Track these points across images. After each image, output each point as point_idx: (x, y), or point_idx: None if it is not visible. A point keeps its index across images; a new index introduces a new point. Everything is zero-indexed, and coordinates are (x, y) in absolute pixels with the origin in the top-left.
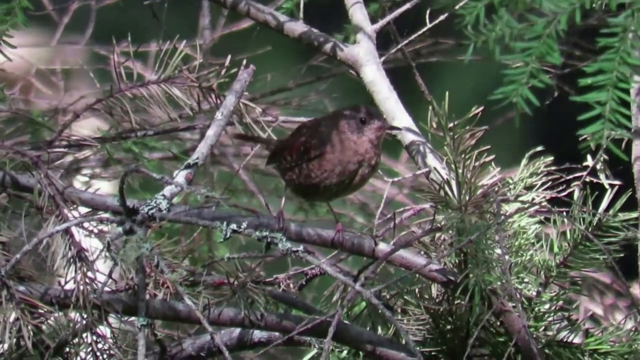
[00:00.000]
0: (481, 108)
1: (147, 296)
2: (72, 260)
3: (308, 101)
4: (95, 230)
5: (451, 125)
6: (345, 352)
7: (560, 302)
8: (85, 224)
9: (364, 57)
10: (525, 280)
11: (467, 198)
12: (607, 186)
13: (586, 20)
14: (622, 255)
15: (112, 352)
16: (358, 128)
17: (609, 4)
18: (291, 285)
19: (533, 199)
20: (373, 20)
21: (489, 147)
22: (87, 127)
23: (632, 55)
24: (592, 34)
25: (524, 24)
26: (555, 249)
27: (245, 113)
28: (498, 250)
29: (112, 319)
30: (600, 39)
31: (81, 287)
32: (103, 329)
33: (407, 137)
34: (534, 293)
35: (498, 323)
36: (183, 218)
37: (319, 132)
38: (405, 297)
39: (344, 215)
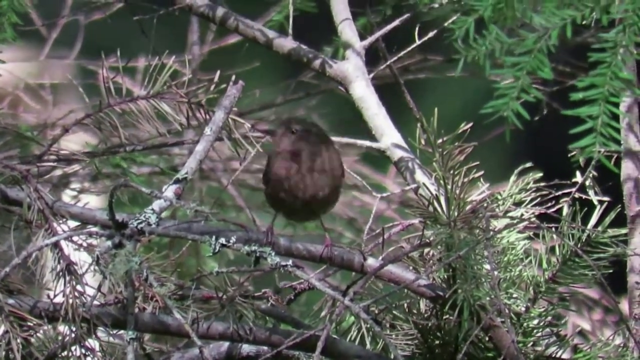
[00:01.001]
0: (470, 124)
1: (136, 310)
2: (61, 273)
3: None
4: (85, 244)
5: (440, 141)
6: None
7: (549, 318)
8: (75, 238)
9: (353, 73)
10: (514, 295)
11: (456, 214)
12: (596, 202)
13: (577, 37)
14: (611, 271)
15: None
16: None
17: (600, 20)
18: (280, 300)
19: (522, 214)
20: (362, 36)
21: (477, 163)
22: (76, 141)
23: (623, 70)
24: (583, 51)
25: (514, 39)
26: (544, 265)
27: (234, 128)
28: (487, 266)
29: (101, 332)
30: (592, 53)
31: (70, 301)
32: (92, 343)
33: (396, 153)
34: (523, 308)
35: (487, 338)
36: (172, 232)
37: (270, 153)
38: (394, 312)
39: (333, 230)
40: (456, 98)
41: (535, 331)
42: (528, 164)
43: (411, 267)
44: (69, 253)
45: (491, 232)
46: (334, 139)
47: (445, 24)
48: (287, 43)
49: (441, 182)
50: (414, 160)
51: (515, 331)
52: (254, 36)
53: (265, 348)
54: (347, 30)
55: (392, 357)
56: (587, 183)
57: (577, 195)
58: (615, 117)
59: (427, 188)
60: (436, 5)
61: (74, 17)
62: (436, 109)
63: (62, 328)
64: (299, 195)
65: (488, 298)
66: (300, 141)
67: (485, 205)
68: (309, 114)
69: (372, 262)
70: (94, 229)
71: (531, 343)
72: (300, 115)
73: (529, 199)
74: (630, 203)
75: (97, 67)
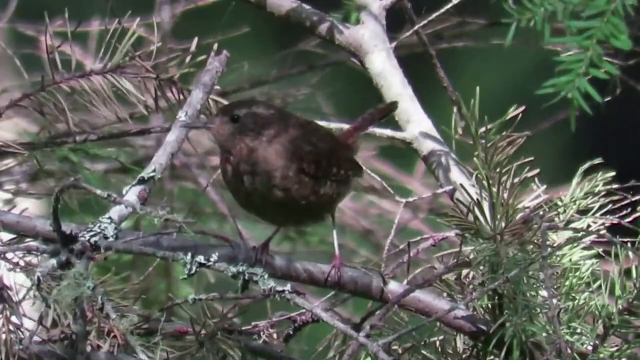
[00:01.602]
0: (522, 107)
1: (88, 348)
2: None
3: (296, 98)
4: (22, 263)
5: (483, 130)
6: None
7: (624, 359)
8: (9, 255)
9: (370, 41)
10: (579, 330)
11: (503, 224)
12: None
13: None
14: None
15: None
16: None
17: None
18: (275, 336)
19: (589, 225)
20: None
21: (532, 158)
22: (10, 129)
23: None
24: None
25: None
26: (618, 291)
27: (215, 113)
28: (543, 292)
29: None
30: None
31: (3, 336)
32: None
33: (426, 146)
34: (590, 347)
35: None
36: (135, 248)
37: None
38: (423, 351)
39: (344, 245)
40: (504, 74)
41: None
42: (597, 160)
43: (445, 294)
44: (1, 274)
45: (549, 249)
46: (343, 125)
47: None
48: (284, 2)
49: (484, 183)
50: (448, 155)
51: None
52: None
53: None
54: None
55: None
56: None
57: None
58: None
59: (466, 191)
60: None
61: None
62: (478, 88)
63: None
64: (247, 201)
65: (545, 334)
66: (244, 130)
67: (541, 213)
68: (311, 93)
69: (394, 287)
70: (34, 244)
71: None
72: (304, 93)
73: (597, 205)
74: None
75: (39, 32)
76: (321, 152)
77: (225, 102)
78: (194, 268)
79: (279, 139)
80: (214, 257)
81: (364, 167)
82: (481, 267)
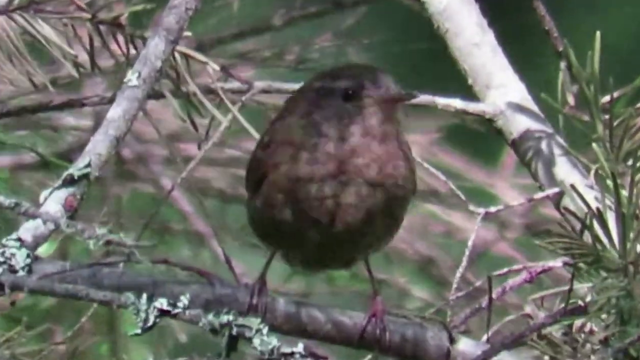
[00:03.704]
0: None
1: None
2: None
3: (315, 52)
4: None
5: (607, 99)
6: None
7: None
8: None
9: None
10: None
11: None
12: None
13: None
14: None
15: None
16: (339, 111)
17: None
18: None
19: None
20: None
21: None
22: None
23: None
24: None
25: None
26: None
27: (186, 74)
28: None
29: None
30: None
31: None
32: None
33: (516, 124)
34: None
35: None
36: (59, 287)
37: (269, 131)
38: None
39: (389, 282)
40: (633, 21)
41: None
42: None
43: (548, 358)
44: None
45: None
46: None
47: None
48: None
49: (609, 182)
50: (552, 139)
51: None
52: None
53: None
54: None
55: None
56: None
57: None
58: None
59: (580, 195)
60: None
61: None
62: (598, 35)
63: None
64: (339, 217)
65: None
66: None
67: None
68: (338, 46)
69: (466, 346)
70: None
71: None
72: (326, 46)
73: None
74: None
75: None
76: None
77: (202, 58)
78: (151, 318)
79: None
80: (184, 300)
81: (419, 159)
82: (605, 316)
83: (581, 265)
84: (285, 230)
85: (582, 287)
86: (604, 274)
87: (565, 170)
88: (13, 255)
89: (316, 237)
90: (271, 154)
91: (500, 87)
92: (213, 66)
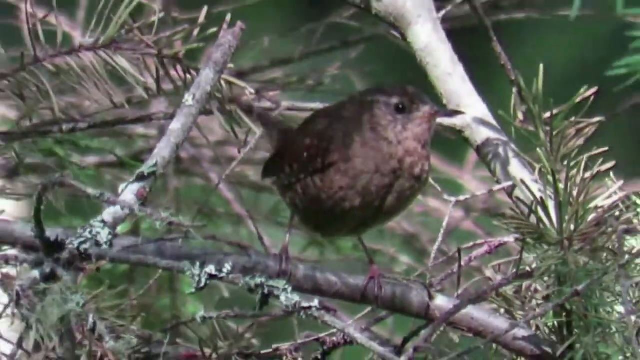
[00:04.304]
0: (594, 89)
1: None
2: None
3: (326, 78)
4: None
5: (548, 115)
6: None
7: None
8: None
9: (414, 10)
10: None
11: (573, 227)
12: None
13: None
14: None
15: None
16: (394, 119)
17: None
18: None
19: None
20: None
21: (606, 148)
22: None
23: None
24: None
25: None
26: None
27: (229, 95)
28: (619, 308)
29: None
30: None
31: None
32: None
33: (480, 134)
34: None
35: None
36: (133, 257)
37: (331, 129)
38: None
39: (382, 252)
40: (571, 51)
41: None
42: None
43: (503, 311)
44: None
45: (626, 256)
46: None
47: None
48: None
49: (549, 178)
50: (507, 145)
51: None
52: None
53: None
54: None
55: None
56: None
57: None
58: None
59: (528, 187)
60: None
61: None
62: (541, 66)
63: None
64: (389, 201)
65: (621, 357)
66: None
67: (617, 214)
68: (344, 73)
69: (442, 302)
70: (13, 252)
71: None
72: (334, 73)
73: None
74: None
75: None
76: None
77: (241, 84)
78: (203, 280)
79: None
80: (227, 267)
81: None
82: (546, 279)
83: (528, 240)
84: (337, 208)
85: (529, 257)
86: (545, 246)
87: (516, 169)
88: (98, 233)
89: (362, 215)
90: (332, 150)
91: (468, 107)
92: (249, 90)
